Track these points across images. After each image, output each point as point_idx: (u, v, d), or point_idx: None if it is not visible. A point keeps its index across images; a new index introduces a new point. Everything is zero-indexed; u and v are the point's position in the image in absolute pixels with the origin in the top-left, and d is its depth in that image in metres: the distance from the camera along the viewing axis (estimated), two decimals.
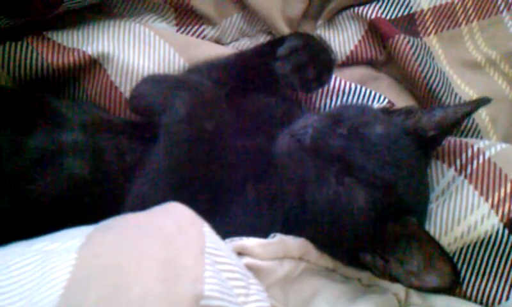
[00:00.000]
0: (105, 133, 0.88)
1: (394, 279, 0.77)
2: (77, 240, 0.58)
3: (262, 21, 1.18)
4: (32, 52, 0.96)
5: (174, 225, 0.65)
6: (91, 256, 0.56)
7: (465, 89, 1.14)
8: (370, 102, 1.07)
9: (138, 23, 1.06)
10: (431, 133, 0.87)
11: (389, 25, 1.16)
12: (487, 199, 0.85)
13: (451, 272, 0.71)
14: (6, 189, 0.78)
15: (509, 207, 0.83)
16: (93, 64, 1.00)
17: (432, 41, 1.20)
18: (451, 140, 0.94)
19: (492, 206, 0.84)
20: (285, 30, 1.17)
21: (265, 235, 0.78)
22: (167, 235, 0.62)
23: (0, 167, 0.78)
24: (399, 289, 0.85)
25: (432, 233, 0.85)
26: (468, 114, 0.90)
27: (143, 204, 0.72)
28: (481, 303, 0.86)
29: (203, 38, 1.15)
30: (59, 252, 0.57)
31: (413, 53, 1.12)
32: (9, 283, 0.54)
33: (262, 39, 1.20)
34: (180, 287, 0.55)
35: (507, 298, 0.85)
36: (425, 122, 0.87)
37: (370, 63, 1.21)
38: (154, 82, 0.94)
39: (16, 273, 0.55)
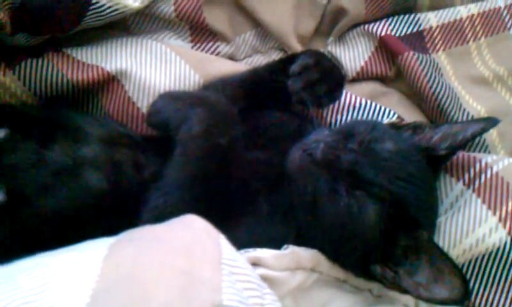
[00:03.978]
0: (123, 147, 0.90)
1: (404, 290, 0.77)
2: (101, 251, 0.60)
3: (274, 38, 1.20)
4: (52, 68, 0.98)
5: (191, 237, 0.66)
6: (114, 267, 0.57)
7: (473, 104, 1.15)
8: (379, 117, 1.08)
9: (155, 41, 1.09)
10: (442, 153, 0.88)
11: (398, 42, 1.17)
12: (495, 213, 0.85)
13: (461, 285, 0.71)
14: (27, 201, 0.79)
15: None
16: (112, 81, 1.02)
17: (441, 57, 1.20)
18: (459, 154, 0.95)
19: (500, 219, 0.84)
20: (297, 47, 1.19)
21: (278, 246, 0.79)
22: (185, 247, 0.63)
23: (21, 180, 0.79)
24: (408, 300, 0.86)
25: (441, 245, 0.86)
26: (479, 134, 0.92)
27: (158, 217, 0.74)
28: None
29: (218, 54, 1.16)
30: (84, 262, 0.58)
31: (422, 69, 1.13)
32: (36, 292, 0.55)
33: (275, 55, 1.22)
34: (200, 297, 0.56)
35: None
36: (436, 141, 0.88)
37: (380, 79, 1.22)
38: (170, 98, 0.96)
39: (43, 282, 0.56)
